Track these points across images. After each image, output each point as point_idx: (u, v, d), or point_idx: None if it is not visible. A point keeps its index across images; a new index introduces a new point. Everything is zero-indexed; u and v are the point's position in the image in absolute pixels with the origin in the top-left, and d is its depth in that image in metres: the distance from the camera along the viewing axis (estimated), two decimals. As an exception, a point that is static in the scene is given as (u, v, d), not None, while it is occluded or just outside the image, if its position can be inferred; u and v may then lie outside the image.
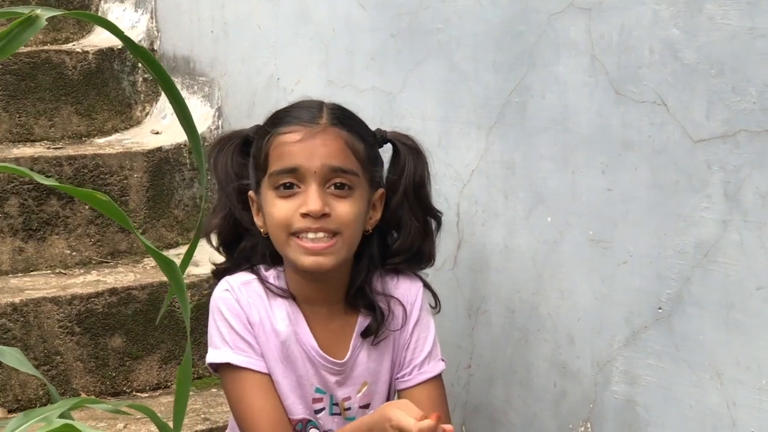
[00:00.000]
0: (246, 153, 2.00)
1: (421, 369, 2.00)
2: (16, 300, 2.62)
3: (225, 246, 2.03)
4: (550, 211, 2.06)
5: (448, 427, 1.73)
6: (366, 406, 2.00)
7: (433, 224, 2.03)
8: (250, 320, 1.93)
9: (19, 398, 2.61)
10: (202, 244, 3.14)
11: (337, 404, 1.99)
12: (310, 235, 1.87)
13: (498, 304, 2.19)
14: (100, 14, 3.77)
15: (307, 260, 1.88)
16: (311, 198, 1.86)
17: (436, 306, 2.06)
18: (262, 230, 1.96)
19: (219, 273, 2.01)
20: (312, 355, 1.95)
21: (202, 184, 1.49)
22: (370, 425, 1.81)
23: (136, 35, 3.55)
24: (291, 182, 1.89)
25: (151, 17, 3.55)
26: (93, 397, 2.63)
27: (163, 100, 3.47)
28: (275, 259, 1.98)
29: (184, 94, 3.38)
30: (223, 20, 3.18)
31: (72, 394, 2.65)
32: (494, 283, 2.19)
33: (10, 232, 2.91)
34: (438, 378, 2.02)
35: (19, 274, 2.92)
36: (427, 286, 2.04)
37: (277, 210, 1.89)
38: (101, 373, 2.71)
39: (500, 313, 2.19)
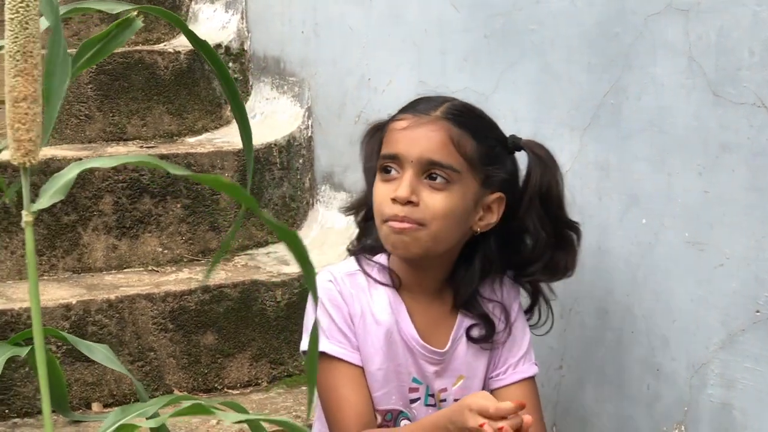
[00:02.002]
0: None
1: (515, 369, 2.01)
2: (112, 297, 2.67)
3: (361, 222, 2.08)
4: (645, 212, 2.06)
5: (527, 417, 1.74)
6: None
7: (574, 236, 2.03)
8: (351, 312, 1.96)
9: (114, 393, 2.65)
10: (292, 243, 3.18)
11: (432, 395, 2.00)
12: (394, 224, 1.91)
13: (591, 306, 2.19)
14: (190, 15, 3.82)
15: (391, 239, 1.92)
16: (402, 185, 1.90)
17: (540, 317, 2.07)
18: None
19: (354, 251, 2.06)
20: (412, 345, 1.97)
21: (248, 184, 1.53)
22: (449, 416, 1.82)
23: (227, 36, 3.59)
24: (391, 167, 1.93)
25: (242, 18, 3.58)
26: (185, 393, 2.67)
27: (253, 100, 3.50)
28: None
29: (273, 93, 3.41)
30: (314, 21, 3.21)
31: (165, 390, 2.68)
32: (587, 284, 2.18)
33: (104, 229, 2.96)
34: (532, 380, 2.03)
35: (113, 271, 2.97)
36: (544, 298, 2.06)
37: (377, 193, 1.94)
38: (193, 370, 2.74)
39: (593, 315, 2.18)
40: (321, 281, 1.98)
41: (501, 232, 2.00)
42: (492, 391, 2.02)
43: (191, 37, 1.65)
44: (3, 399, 2.52)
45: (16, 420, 2.53)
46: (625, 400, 2.13)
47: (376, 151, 2.01)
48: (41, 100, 1.44)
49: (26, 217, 1.45)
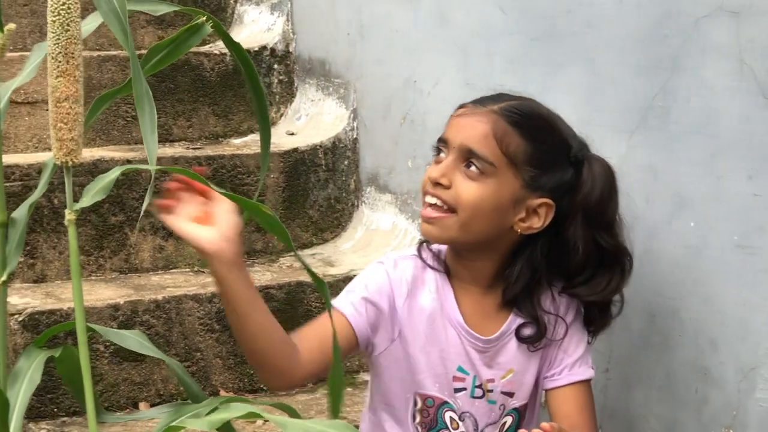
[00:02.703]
0: None
1: (571, 370, 2.01)
2: (159, 297, 2.69)
3: None
4: (693, 215, 2.05)
5: None
6: (510, 395, 2.01)
7: (624, 261, 2.01)
8: (394, 293, 1.99)
9: (161, 393, 2.67)
10: (337, 243, 3.19)
11: (479, 386, 2.00)
12: (426, 199, 1.95)
13: (638, 309, 2.18)
14: (236, 17, 3.83)
15: (422, 227, 1.97)
16: (438, 167, 1.95)
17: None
18: None
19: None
20: (457, 329, 1.99)
21: (260, 182, 1.54)
22: None
23: (272, 38, 3.60)
24: (440, 150, 1.98)
25: (287, 20, 3.59)
26: (231, 393, 2.69)
27: (298, 102, 3.51)
28: None
29: (319, 95, 3.42)
30: (360, 23, 3.21)
31: (211, 390, 2.70)
32: (634, 287, 2.17)
33: (151, 230, 2.98)
34: (587, 383, 2.02)
35: (160, 272, 2.98)
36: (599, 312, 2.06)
37: (428, 172, 1.98)
38: (239, 371, 2.76)
39: (640, 318, 2.18)
40: (376, 265, 2.03)
41: (550, 240, 2.00)
42: (546, 391, 2.03)
43: (225, 37, 1.67)
44: (52, 398, 2.54)
45: (64, 419, 2.55)
46: (672, 403, 2.12)
47: None
48: (82, 100, 1.46)
49: (69, 215, 1.48)
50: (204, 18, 1.69)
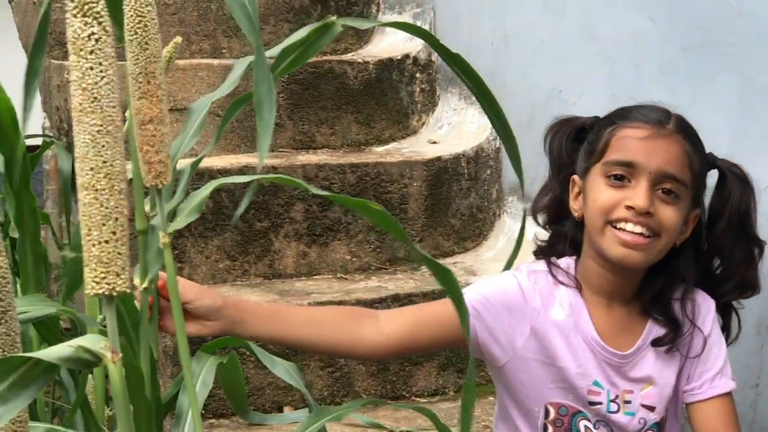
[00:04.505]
0: (578, 139, 2.05)
1: (712, 383, 1.99)
2: (304, 303, 2.72)
3: (551, 224, 2.09)
4: None
5: None
6: (651, 408, 1.99)
7: (756, 251, 2.02)
8: (528, 304, 1.97)
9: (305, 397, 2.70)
10: (478, 252, 3.20)
11: (614, 400, 1.99)
12: (629, 227, 1.89)
13: (790, 324, 2.15)
14: (377, 26, 3.86)
15: (619, 251, 1.91)
16: (640, 194, 1.89)
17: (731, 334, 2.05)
18: (576, 214, 2.01)
19: (541, 250, 2.08)
20: (591, 345, 1.97)
21: (521, 181, 1.54)
22: None
23: (414, 46, 3.62)
24: (623, 175, 1.91)
25: (430, 28, 3.61)
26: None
27: (440, 110, 3.53)
28: (575, 247, 2.03)
29: (461, 104, 3.43)
30: (504, 32, 3.22)
31: (354, 396, 2.73)
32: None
33: (295, 236, 3.02)
34: (728, 396, 2.00)
35: (303, 278, 3.02)
36: (738, 317, 2.04)
37: (603, 196, 1.92)
38: (382, 377, 2.78)
39: (792, 333, 2.15)
40: (505, 273, 2.00)
41: (692, 249, 1.99)
42: (687, 406, 2.01)
43: (433, 43, 1.62)
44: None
45: (212, 421, 2.60)
46: (825, 421, 2.08)
47: (572, 150, 2.03)
48: (168, 120, 1.41)
49: (163, 238, 1.44)
50: (334, 17, 1.69)
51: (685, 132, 1.94)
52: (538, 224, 2.10)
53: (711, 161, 2.00)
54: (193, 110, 1.63)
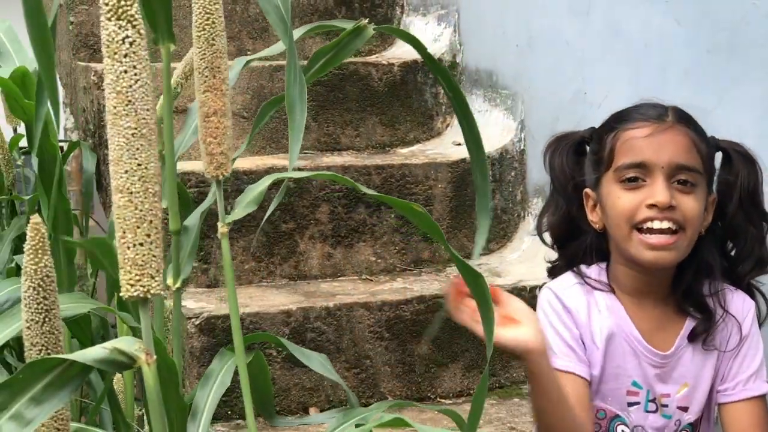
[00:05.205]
0: (578, 153, 2.05)
1: (746, 385, 1.99)
2: (330, 304, 2.73)
3: (559, 243, 2.09)
4: None
5: None
6: (684, 409, 2.00)
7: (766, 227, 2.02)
8: (577, 323, 1.97)
9: (331, 399, 2.71)
10: (503, 254, 3.20)
11: (652, 400, 1.99)
12: (656, 225, 1.90)
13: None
14: (401, 28, 3.87)
15: (649, 255, 1.91)
16: (658, 190, 1.89)
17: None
18: (597, 226, 2.00)
19: (553, 270, 2.09)
20: (635, 346, 1.98)
21: (486, 198, 1.53)
22: None
23: (439, 48, 3.63)
24: (636, 176, 1.92)
25: (454, 31, 3.62)
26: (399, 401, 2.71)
27: (464, 112, 3.52)
28: (601, 256, 2.02)
29: (485, 107, 3.43)
30: (529, 34, 3.22)
31: (379, 397, 2.73)
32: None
33: (320, 238, 3.03)
34: (762, 399, 2.00)
35: (328, 279, 3.03)
36: (763, 296, 2.03)
37: (622, 202, 1.92)
38: (407, 379, 2.78)
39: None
40: (545, 299, 2.00)
41: (715, 235, 2.00)
42: (719, 406, 2.01)
43: (421, 50, 1.67)
44: (226, 401, 2.59)
45: (238, 421, 2.60)
46: None
47: (574, 164, 2.03)
48: (230, 114, 1.47)
49: (221, 228, 1.49)
50: (366, 21, 1.71)
51: (686, 120, 1.95)
52: (544, 242, 2.10)
53: (714, 144, 2.00)
54: (193, 110, 1.67)
